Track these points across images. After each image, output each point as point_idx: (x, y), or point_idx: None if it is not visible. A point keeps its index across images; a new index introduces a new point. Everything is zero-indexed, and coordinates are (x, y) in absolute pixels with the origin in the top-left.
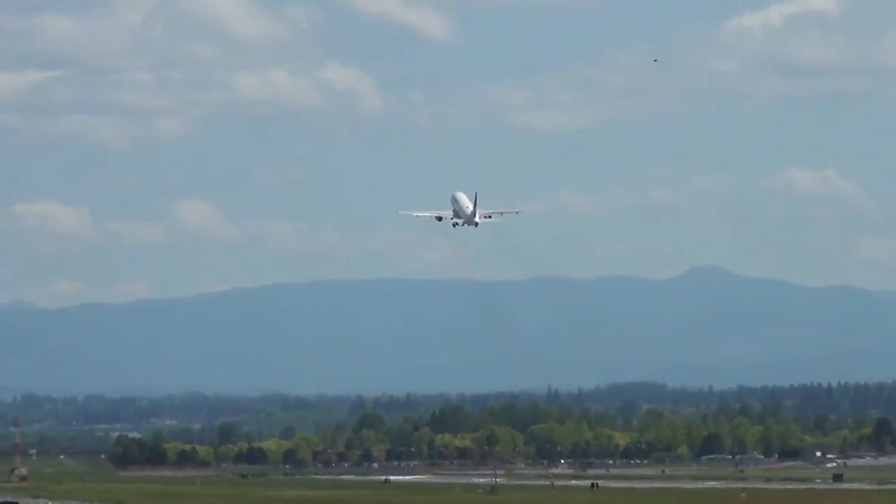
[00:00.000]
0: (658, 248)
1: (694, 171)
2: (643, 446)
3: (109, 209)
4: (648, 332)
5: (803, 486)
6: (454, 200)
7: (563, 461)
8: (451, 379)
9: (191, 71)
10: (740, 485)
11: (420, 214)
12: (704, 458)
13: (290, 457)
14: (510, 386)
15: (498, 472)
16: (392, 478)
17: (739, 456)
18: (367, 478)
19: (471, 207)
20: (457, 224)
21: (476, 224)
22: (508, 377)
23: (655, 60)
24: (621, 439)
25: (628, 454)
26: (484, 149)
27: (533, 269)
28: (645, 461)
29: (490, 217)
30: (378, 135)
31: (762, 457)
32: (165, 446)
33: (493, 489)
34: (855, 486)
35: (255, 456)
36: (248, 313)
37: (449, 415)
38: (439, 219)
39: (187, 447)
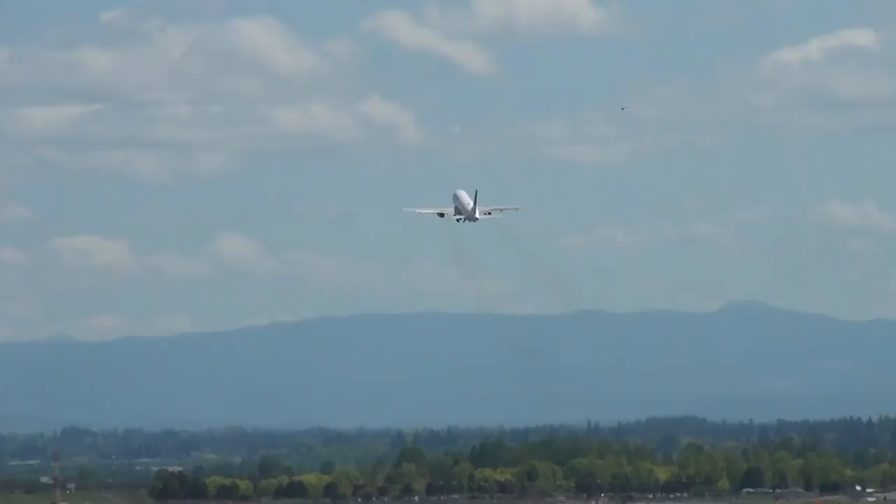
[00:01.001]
0: (698, 282)
1: (733, 205)
2: (683, 480)
3: (149, 243)
4: (688, 366)
5: None
6: (455, 198)
7: (603, 495)
8: (492, 413)
9: (230, 105)
10: None
11: (423, 211)
12: (744, 491)
13: (330, 491)
14: (550, 420)
15: None
16: None
17: (780, 490)
18: None
19: (471, 204)
20: (459, 220)
21: (476, 219)
22: (548, 411)
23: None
24: (661, 473)
25: (668, 488)
26: (524, 182)
27: (573, 302)
28: (685, 495)
29: (490, 214)
30: (417, 169)
31: (802, 490)
32: (206, 480)
33: None
34: None
35: (295, 490)
36: (288, 347)
37: (489, 449)
38: (441, 215)
39: (228, 481)
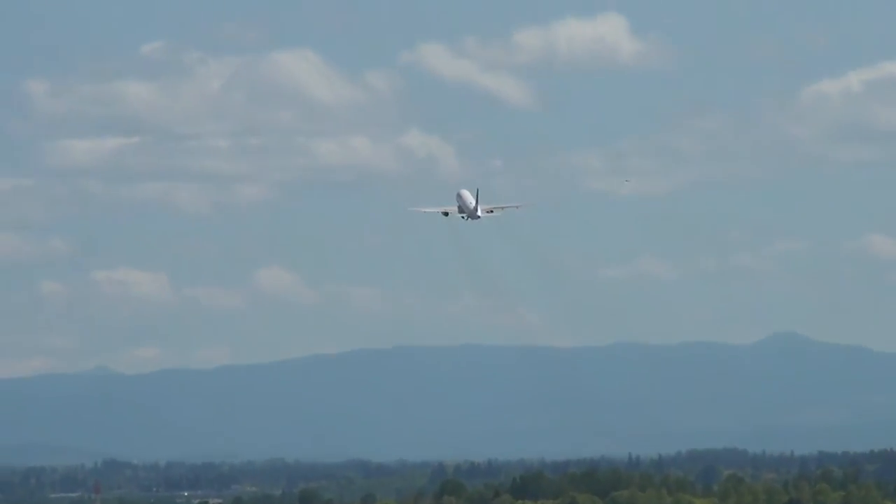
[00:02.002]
0: (738, 314)
1: (774, 237)
2: None
3: (189, 275)
4: (728, 398)
5: None
6: (458, 197)
7: None
8: (532, 445)
9: (270, 137)
10: None
11: (428, 210)
12: None
13: None
14: (591, 452)
15: None
16: None
17: None
18: None
19: (473, 203)
20: (464, 217)
21: (478, 217)
22: (589, 443)
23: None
24: None
25: None
26: (564, 215)
27: (613, 335)
28: None
29: (492, 212)
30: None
31: None
32: None
33: None
34: None
35: None
36: (328, 379)
37: (529, 481)
38: (446, 214)
39: None
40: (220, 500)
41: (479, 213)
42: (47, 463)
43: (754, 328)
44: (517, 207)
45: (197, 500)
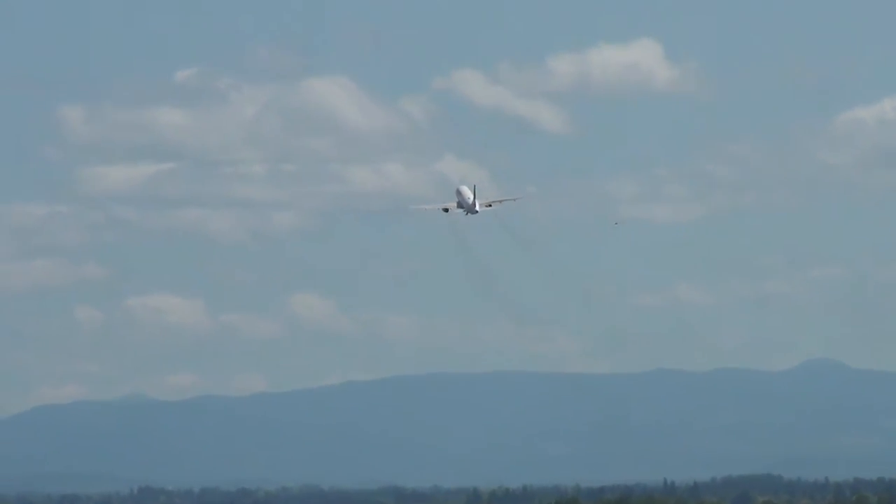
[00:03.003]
0: (773, 341)
1: (808, 263)
2: None
3: (224, 302)
4: (763, 424)
5: None
6: (458, 193)
7: None
8: (567, 471)
9: (305, 164)
10: None
11: (428, 208)
12: None
13: None
14: (625, 478)
15: None
16: None
17: None
18: None
19: (472, 198)
20: (464, 212)
21: (476, 212)
22: (624, 469)
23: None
24: None
25: None
26: (597, 241)
27: (648, 361)
28: None
29: (490, 206)
30: (490, 226)
31: None
32: None
33: None
34: None
35: None
36: (362, 406)
37: None
38: (446, 210)
39: None
40: None
41: (477, 207)
42: (82, 490)
43: (789, 354)
44: (514, 200)
45: None
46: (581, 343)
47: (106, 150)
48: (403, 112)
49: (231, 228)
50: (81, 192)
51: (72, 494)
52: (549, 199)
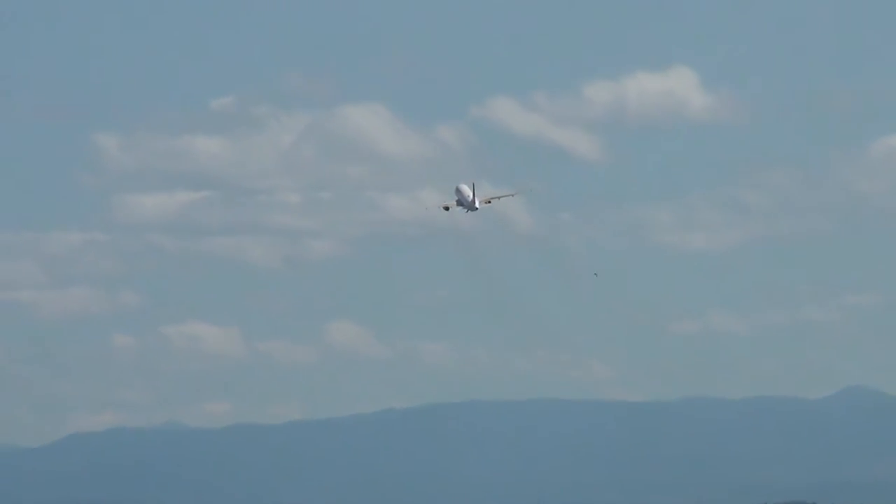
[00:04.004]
0: (809, 368)
1: (844, 290)
2: None
3: (260, 330)
4: (799, 452)
5: None
6: (457, 191)
7: None
8: (603, 498)
9: (341, 191)
10: None
11: (428, 207)
12: None
13: None
14: None
15: None
16: None
17: None
18: None
19: (471, 195)
20: (464, 210)
21: (476, 209)
22: (658, 497)
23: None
24: None
25: None
26: (632, 268)
27: (683, 388)
28: None
29: (489, 202)
30: (527, 254)
31: None
32: None
33: None
34: None
35: None
36: (399, 433)
37: None
38: (446, 208)
39: None
40: None
41: (476, 204)
42: None
43: (825, 382)
44: (512, 196)
45: None
46: (616, 370)
47: (142, 178)
48: (439, 139)
49: (267, 256)
50: (117, 220)
51: None
52: (583, 225)
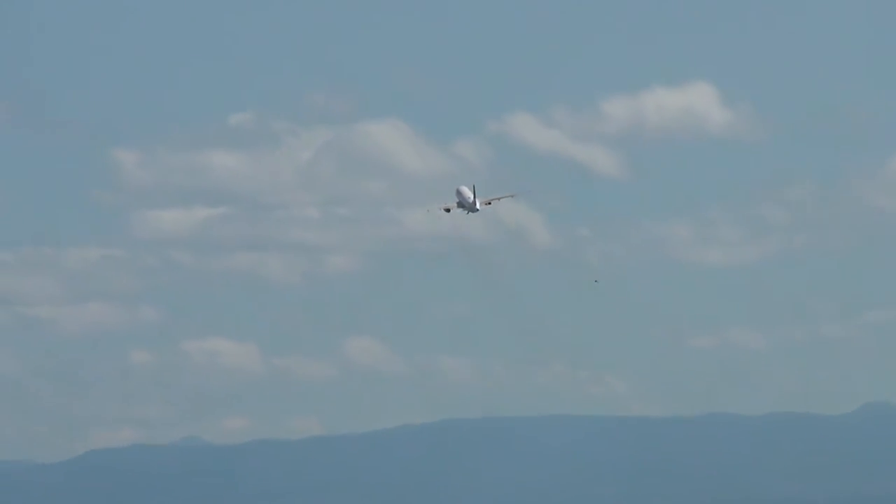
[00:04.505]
0: (828, 384)
1: (863, 307)
2: None
3: (278, 345)
4: (819, 468)
5: None
6: (458, 193)
7: None
8: None
9: (359, 207)
10: None
11: (429, 209)
12: None
13: None
14: None
15: None
16: None
17: None
18: None
19: (472, 197)
20: (465, 210)
21: (477, 210)
22: None
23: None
24: None
25: None
26: (651, 283)
27: (702, 404)
28: None
29: (489, 203)
30: (546, 269)
31: None
32: None
33: None
34: None
35: None
36: (417, 449)
37: None
38: (448, 210)
39: None
40: None
41: (477, 206)
42: None
43: (845, 398)
44: (512, 197)
45: None
46: (634, 386)
47: (160, 194)
48: (457, 155)
49: (285, 272)
50: (135, 236)
51: None
52: (601, 241)
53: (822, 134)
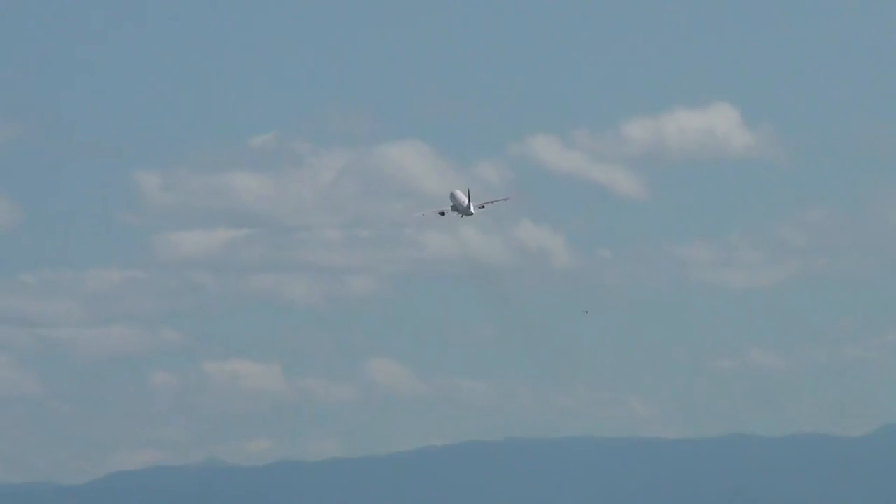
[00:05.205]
0: (849, 406)
1: (883, 328)
2: None
3: (300, 367)
4: (840, 489)
5: None
6: (452, 196)
7: None
8: None
9: (380, 228)
10: None
11: (425, 213)
12: None
13: None
14: None
15: None
16: None
17: None
18: None
19: (466, 200)
20: (459, 214)
21: (471, 213)
22: None
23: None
24: None
25: None
26: (672, 306)
27: (723, 426)
28: None
29: (483, 207)
30: (567, 291)
31: None
32: None
33: None
34: None
35: None
36: (437, 471)
37: None
38: (442, 213)
39: None
40: None
41: (471, 209)
42: None
43: (866, 419)
44: (505, 200)
45: None
46: (656, 407)
47: (182, 216)
48: (479, 176)
49: (307, 293)
50: (158, 258)
51: None
52: (622, 262)
53: (845, 156)
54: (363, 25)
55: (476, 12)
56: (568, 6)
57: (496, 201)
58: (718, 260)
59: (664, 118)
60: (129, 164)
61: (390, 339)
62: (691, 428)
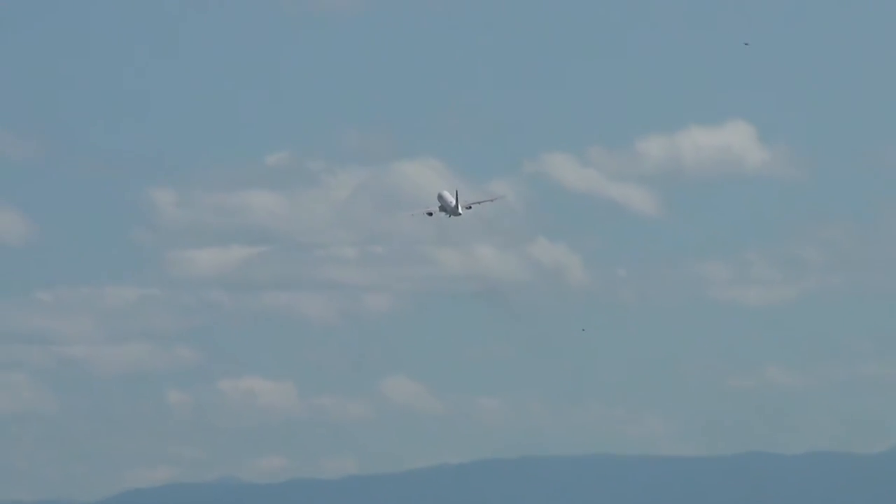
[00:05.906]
0: (865, 423)
1: None
2: None
3: (315, 384)
4: None
5: None
6: (440, 197)
7: None
8: None
9: (396, 246)
10: None
11: (413, 213)
12: None
13: None
14: None
15: None
16: None
17: None
18: None
19: (454, 201)
20: (447, 214)
21: (459, 214)
22: None
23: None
24: None
25: None
26: (688, 323)
27: (739, 444)
28: None
29: (470, 207)
30: (583, 309)
31: None
32: None
33: None
34: None
35: None
36: (454, 489)
37: None
38: (430, 214)
39: None
40: None
41: (459, 210)
42: None
43: (883, 436)
44: (492, 201)
45: None
46: (672, 425)
47: (197, 234)
48: (494, 194)
49: (322, 311)
50: (173, 276)
51: None
52: (638, 280)
53: (860, 173)
54: (378, 43)
55: (491, 31)
56: (583, 24)
57: (483, 202)
58: (735, 277)
59: (680, 136)
60: (145, 181)
61: (405, 356)
62: (708, 445)
